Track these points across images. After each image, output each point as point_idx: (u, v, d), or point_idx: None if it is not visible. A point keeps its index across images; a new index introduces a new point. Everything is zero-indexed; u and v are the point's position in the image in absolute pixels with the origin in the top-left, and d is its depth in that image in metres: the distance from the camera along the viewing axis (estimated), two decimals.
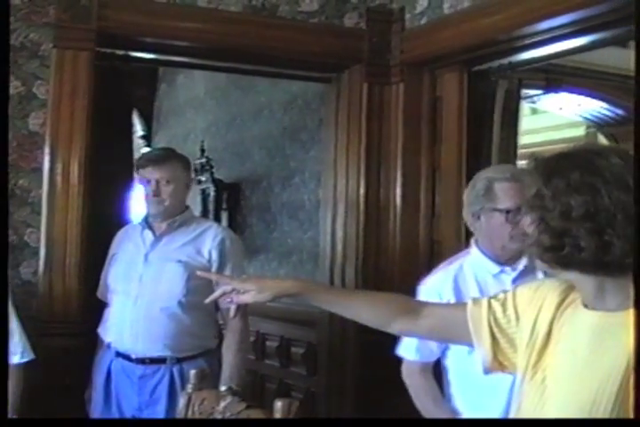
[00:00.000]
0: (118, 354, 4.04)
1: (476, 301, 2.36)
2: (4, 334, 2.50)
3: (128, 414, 4.01)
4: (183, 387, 3.12)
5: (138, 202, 6.98)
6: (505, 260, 3.23)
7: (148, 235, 4.15)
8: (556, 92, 7.20)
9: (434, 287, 3.26)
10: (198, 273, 3.01)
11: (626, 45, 6.32)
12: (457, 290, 3.20)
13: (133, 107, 6.52)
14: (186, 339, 4.03)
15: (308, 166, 6.35)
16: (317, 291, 2.56)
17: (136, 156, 5.18)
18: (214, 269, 4.04)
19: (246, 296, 2.42)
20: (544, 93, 7.18)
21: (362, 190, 5.10)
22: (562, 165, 2.00)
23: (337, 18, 5.09)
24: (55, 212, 4.51)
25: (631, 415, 1.82)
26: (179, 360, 3.97)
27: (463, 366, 3.09)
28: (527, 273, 3.15)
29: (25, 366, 3.95)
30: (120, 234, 4.37)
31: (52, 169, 4.51)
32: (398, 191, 5.05)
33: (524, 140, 9.17)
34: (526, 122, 8.93)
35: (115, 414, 4.04)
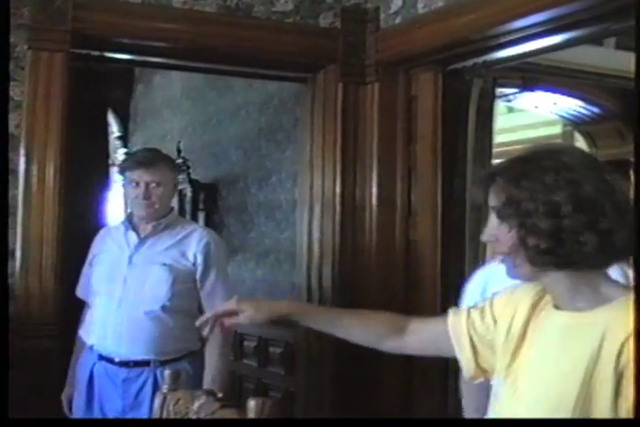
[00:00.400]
0: (101, 357, 4.02)
1: (455, 312, 2.39)
2: (4, 334, 2.50)
3: (111, 416, 3.98)
4: None
5: (115, 203, 7.02)
6: None
7: (132, 236, 4.12)
8: (532, 90, 7.22)
9: (476, 281, 3.26)
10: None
11: (601, 43, 6.38)
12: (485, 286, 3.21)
13: (109, 108, 6.53)
14: (169, 342, 4.01)
15: (285, 166, 6.36)
16: (309, 312, 2.64)
17: (113, 156, 5.18)
18: (199, 272, 4.04)
19: (241, 317, 2.45)
20: (520, 92, 7.20)
21: (338, 190, 5.10)
22: (529, 169, 2.00)
23: (312, 18, 5.10)
24: (31, 213, 4.49)
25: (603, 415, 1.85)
26: (162, 363, 3.93)
27: None
28: None
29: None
30: (102, 234, 4.35)
31: (27, 170, 4.49)
32: (374, 191, 5.06)
33: (500, 138, 9.20)
34: (502, 120, 8.98)
35: (97, 417, 4.03)
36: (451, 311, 2.41)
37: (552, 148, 2.11)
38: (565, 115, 8.18)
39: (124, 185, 4.23)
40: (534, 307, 2.15)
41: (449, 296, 4.87)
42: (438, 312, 4.75)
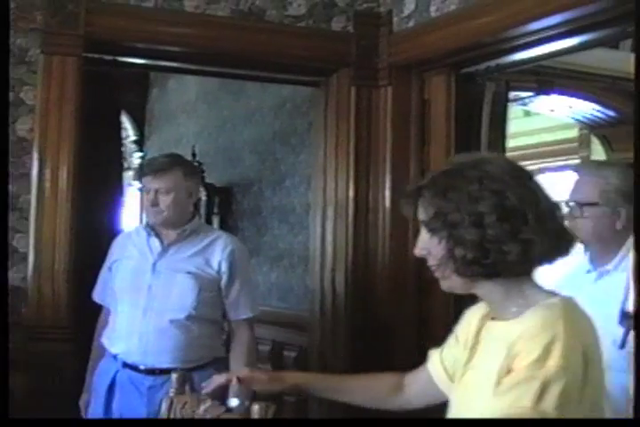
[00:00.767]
0: (125, 365, 3.99)
1: (432, 353, 2.43)
2: (4, 334, 2.52)
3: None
4: None
5: (129, 207, 7.04)
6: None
7: (155, 243, 4.08)
8: (548, 94, 7.20)
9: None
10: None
11: (616, 46, 6.34)
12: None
13: (122, 112, 6.53)
14: (195, 350, 3.99)
15: (299, 170, 6.35)
16: (312, 382, 2.67)
17: (129, 160, 5.19)
18: (224, 280, 4.02)
19: (256, 385, 2.50)
20: (535, 95, 7.18)
21: (351, 193, 5.10)
22: (454, 180, 2.03)
23: (325, 22, 5.09)
24: (44, 217, 4.50)
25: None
26: (188, 371, 3.84)
27: None
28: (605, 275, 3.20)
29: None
30: (121, 239, 4.33)
31: (40, 175, 4.51)
32: (387, 194, 5.05)
33: (517, 142, 9.22)
34: (519, 124, 8.97)
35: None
36: (429, 354, 2.45)
37: (476, 158, 2.12)
38: (581, 118, 8.16)
39: (139, 191, 4.23)
40: (484, 317, 2.19)
41: (462, 301, 4.86)
42: (451, 317, 4.77)
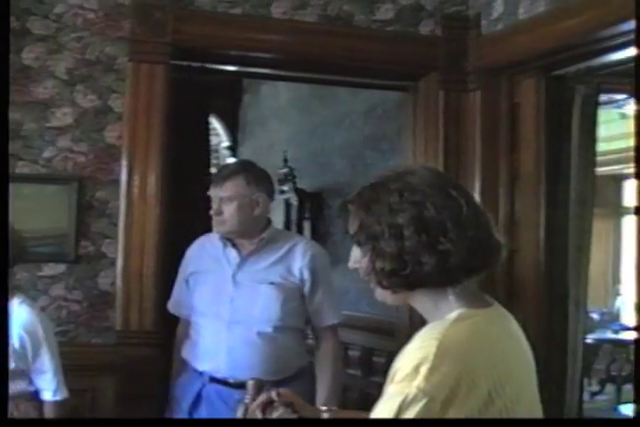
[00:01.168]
0: (213, 379, 3.89)
1: None
2: (4, 335, 2.53)
3: None
4: None
5: None
6: None
7: (232, 253, 3.97)
8: None
9: None
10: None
11: None
12: None
13: (214, 117, 6.57)
14: (283, 360, 3.90)
15: None
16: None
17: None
18: (306, 288, 3.94)
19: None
20: (629, 98, 7.03)
21: None
22: (377, 193, 2.03)
23: (412, 26, 5.06)
24: (132, 223, 4.56)
25: None
26: (276, 383, 3.48)
27: None
28: None
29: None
30: (196, 249, 4.20)
31: (129, 181, 4.57)
32: (477, 199, 4.97)
33: (615, 145, 9.05)
34: (616, 127, 8.79)
35: None
36: None
37: (401, 170, 2.10)
38: None
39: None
40: None
41: (552, 306, 4.79)
42: (541, 322, 4.70)
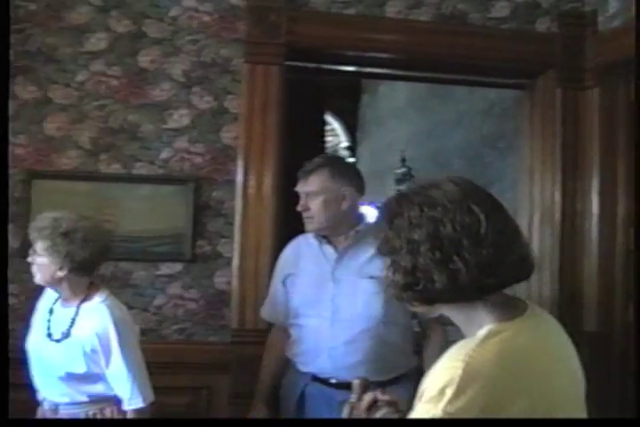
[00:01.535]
0: (315, 378, 3.81)
1: None
2: (4, 335, 2.53)
3: None
4: None
5: None
6: None
7: (329, 250, 3.88)
8: None
9: None
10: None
11: None
12: None
13: (333, 117, 6.60)
14: (389, 359, 3.75)
15: (506, 174, 6.26)
16: None
17: None
18: None
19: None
20: None
21: (557, 198, 4.97)
22: (401, 206, 2.03)
23: (528, 23, 5.00)
24: (248, 223, 4.60)
25: None
26: (381, 384, 3.23)
27: None
28: None
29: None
30: (291, 250, 4.13)
31: (245, 181, 4.61)
32: (595, 199, 4.89)
33: None
34: None
35: None
36: None
37: (428, 182, 2.08)
38: None
39: None
40: None
41: None
42: None
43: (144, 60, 4.60)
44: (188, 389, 4.46)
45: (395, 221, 2.02)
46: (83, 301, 3.51)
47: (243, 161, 4.62)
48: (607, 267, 4.85)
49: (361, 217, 3.95)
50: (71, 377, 3.42)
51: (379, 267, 3.62)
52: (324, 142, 5.48)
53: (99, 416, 3.45)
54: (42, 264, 3.45)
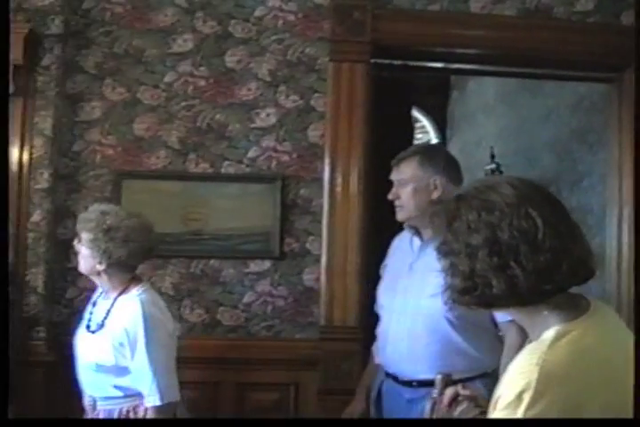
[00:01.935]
0: (387, 374, 3.65)
1: None
2: (4, 335, 2.52)
3: None
4: None
5: None
6: None
7: (416, 242, 3.68)
8: None
9: None
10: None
11: None
12: None
13: (414, 115, 6.58)
14: (456, 359, 3.42)
15: (596, 169, 6.18)
16: None
17: None
18: None
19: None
20: None
21: None
22: (459, 209, 2.01)
23: (613, 16, 4.93)
24: (335, 220, 4.62)
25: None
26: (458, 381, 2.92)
27: None
28: None
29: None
30: (394, 242, 3.95)
31: (331, 179, 4.64)
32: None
33: None
34: None
35: None
36: None
37: (485, 184, 2.05)
38: None
39: None
40: None
41: None
42: None
43: (230, 60, 4.66)
44: (276, 385, 4.50)
45: (454, 223, 2.01)
46: (120, 293, 3.51)
47: (329, 159, 4.65)
48: None
49: None
50: (101, 369, 3.42)
51: None
52: (412, 139, 5.48)
53: (131, 415, 3.41)
54: (84, 255, 3.49)
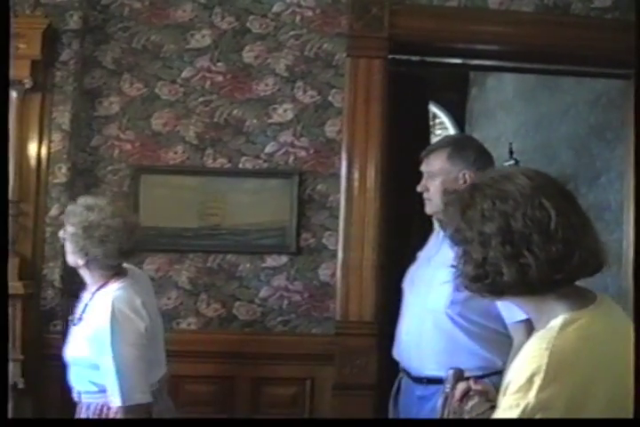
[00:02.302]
0: (403, 370, 3.58)
1: None
2: (4, 334, 2.50)
3: None
4: None
5: None
6: None
7: (440, 235, 3.56)
8: None
9: None
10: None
11: None
12: None
13: (432, 111, 6.57)
14: (464, 358, 3.27)
15: (614, 166, 6.16)
16: None
17: None
18: None
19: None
20: None
21: None
22: (473, 197, 2.02)
23: (631, 12, 4.90)
24: (352, 216, 4.63)
25: None
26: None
27: None
28: None
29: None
30: (432, 235, 3.83)
31: (348, 175, 4.64)
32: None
33: None
34: None
35: None
36: None
37: (500, 174, 2.07)
38: None
39: None
40: None
41: None
42: None
43: (248, 55, 4.68)
44: (292, 380, 4.52)
45: (467, 212, 2.02)
46: (100, 288, 3.42)
47: (346, 154, 4.65)
48: None
49: None
50: (78, 362, 3.37)
51: None
52: (428, 135, 5.48)
53: (105, 410, 3.31)
54: (67, 248, 3.43)
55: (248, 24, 4.68)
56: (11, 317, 4.07)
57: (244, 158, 4.65)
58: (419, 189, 3.59)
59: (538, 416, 1.80)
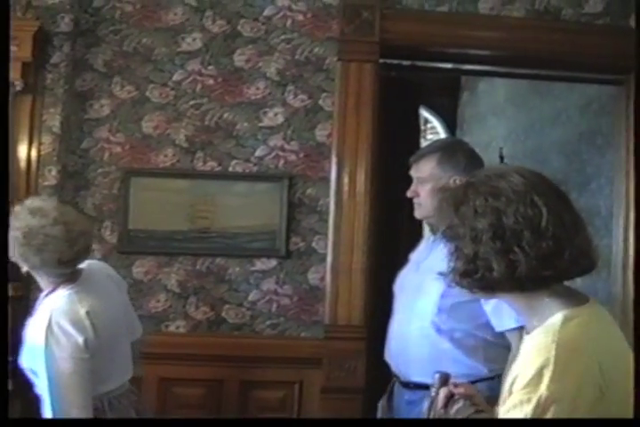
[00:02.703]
0: (394, 374, 3.53)
1: None
2: (4, 335, 2.47)
3: None
4: None
5: None
6: None
7: (430, 239, 3.54)
8: None
9: None
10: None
11: None
12: None
13: (422, 116, 6.58)
14: (447, 365, 3.03)
15: (604, 172, 6.17)
16: None
17: None
18: None
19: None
20: None
21: None
22: (467, 194, 2.04)
23: (622, 18, 4.94)
24: (342, 219, 4.64)
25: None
26: None
27: None
28: None
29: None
30: (422, 240, 3.85)
31: (338, 179, 4.65)
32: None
33: None
34: None
35: None
36: None
37: (495, 172, 2.09)
38: None
39: None
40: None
41: None
42: None
43: (239, 59, 4.69)
44: (280, 383, 4.53)
45: (461, 208, 2.04)
46: (48, 293, 3.22)
47: (336, 158, 4.66)
48: None
49: None
50: (25, 370, 3.16)
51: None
52: (419, 140, 5.50)
53: None
54: (10, 251, 3.08)
55: (239, 27, 4.68)
56: None
57: (234, 162, 4.66)
58: (409, 194, 3.53)
59: (552, 408, 1.80)
